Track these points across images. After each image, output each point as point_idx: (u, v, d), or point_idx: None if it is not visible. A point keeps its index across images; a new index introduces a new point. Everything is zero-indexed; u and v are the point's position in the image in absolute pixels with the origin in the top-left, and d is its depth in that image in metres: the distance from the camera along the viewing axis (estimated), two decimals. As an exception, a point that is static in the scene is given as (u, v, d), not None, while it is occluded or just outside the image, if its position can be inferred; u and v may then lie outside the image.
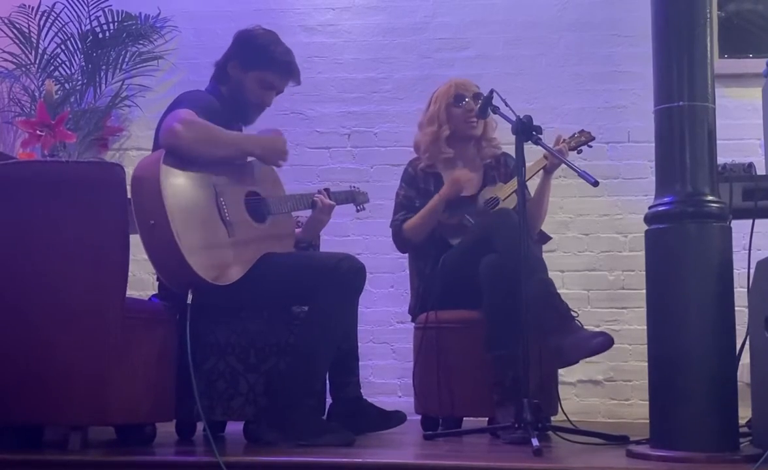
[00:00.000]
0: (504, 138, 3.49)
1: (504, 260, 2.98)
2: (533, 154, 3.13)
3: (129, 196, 2.64)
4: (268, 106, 3.06)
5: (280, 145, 2.95)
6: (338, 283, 2.80)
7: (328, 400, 3.09)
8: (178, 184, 2.67)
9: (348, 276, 2.82)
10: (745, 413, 2.46)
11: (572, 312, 2.85)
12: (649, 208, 2.51)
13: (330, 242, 3.91)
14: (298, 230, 3.20)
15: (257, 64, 2.98)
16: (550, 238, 3.61)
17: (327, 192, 3.24)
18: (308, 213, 3.21)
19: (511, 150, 3.06)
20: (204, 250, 2.66)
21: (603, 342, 2.72)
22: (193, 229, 2.65)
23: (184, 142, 2.68)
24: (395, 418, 3.14)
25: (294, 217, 3.15)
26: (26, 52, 4.33)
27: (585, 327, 2.86)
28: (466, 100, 3.43)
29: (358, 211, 3.50)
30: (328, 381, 3.08)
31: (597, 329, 4.14)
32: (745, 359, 2.54)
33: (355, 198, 3.43)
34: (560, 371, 3.47)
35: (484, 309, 3.08)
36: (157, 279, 2.88)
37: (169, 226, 2.56)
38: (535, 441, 2.47)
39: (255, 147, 2.89)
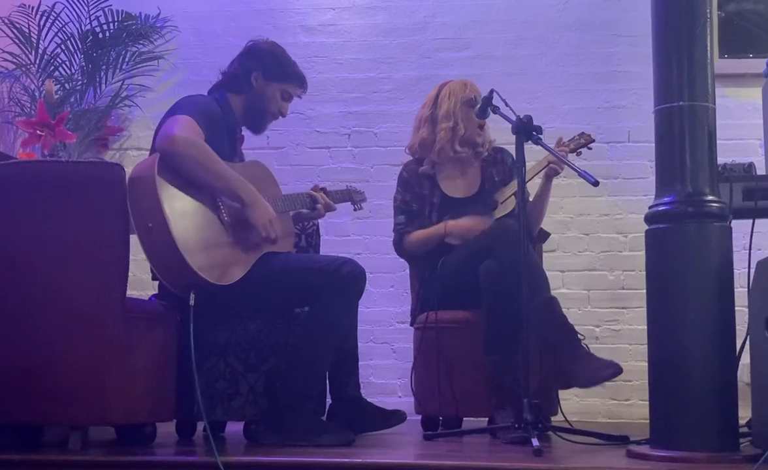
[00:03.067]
0: (504, 138, 3.48)
1: (504, 265, 2.98)
2: (534, 154, 3.13)
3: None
4: (284, 116, 3.13)
5: (267, 215, 2.79)
6: (339, 287, 2.81)
7: (328, 401, 3.09)
8: (175, 185, 2.66)
9: (349, 280, 2.82)
10: (745, 413, 2.46)
11: (579, 335, 2.87)
12: (649, 208, 2.51)
13: (330, 242, 3.91)
14: None
15: (280, 77, 3.06)
16: (549, 235, 3.61)
17: (324, 191, 3.24)
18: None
19: (511, 149, 3.05)
20: (203, 251, 2.66)
21: (614, 372, 2.80)
22: (191, 230, 2.65)
23: (179, 153, 2.67)
24: (395, 417, 3.14)
25: (290, 217, 3.14)
26: (26, 52, 4.33)
27: (589, 347, 2.89)
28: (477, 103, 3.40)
29: (355, 209, 3.50)
30: (327, 382, 3.08)
31: (597, 329, 4.23)
32: (745, 359, 2.54)
33: (352, 197, 3.43)
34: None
35: (484, 313, 3.08)
36: (154, 278, 2.87)
37: (167, 228, 2.56)
38: (535, 442, 2.47)
39: (244, 194, 2.77)
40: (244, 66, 3.05)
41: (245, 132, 3.14)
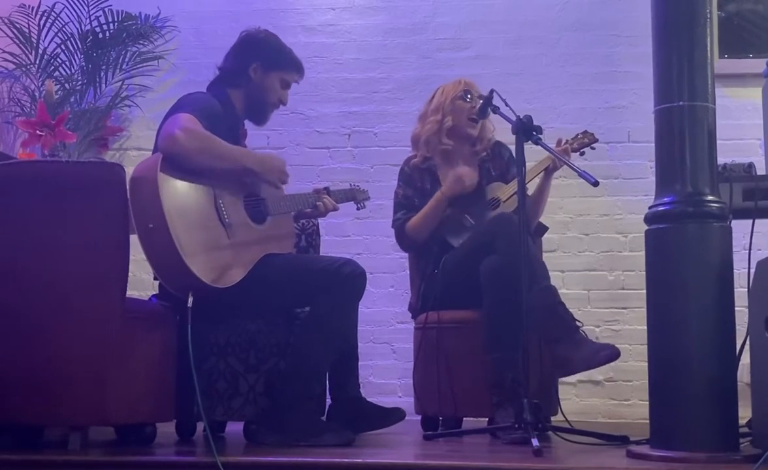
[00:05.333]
0: (504, 138, 3.49)
1: (505, 262, 2.98)
2: (534, 154, 3.12)
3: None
4: (284, 104, 3.13)
5: (278, 164, 2.94)
6: (339, 287, 2.81)
7: (328, 401, 3.09)
8: (176, 187, 2.66)
9: (349, 280, 2.82)
10: (745, 413, 2.46)
11: (577, 322, 2.87)
12: (649, 208, 2.51)
13: (330, 242, 3.91)
14: None
15: (278, 65, 3.06)
16: (547, 229, 3.61)
17: (326, 190, 3.23)
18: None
19: (511, 149, 3.06)
20: (203, 253, 2.65)
21: (610, 355, 2.78)
22: (191, 232, 2.64)
23: (183, 150, 2.67)
24: (395, 415, 3.14)
25: (292, 218, 3.14)
26: (26, 52, 4.33)
27: (587, 334, 2.88)
28: (470, 96, 3.43)
29: (358, 208, 3.49)
30: (327, 382, 3.08)
31: (597, 329, 4.24)
32: (745, 359, 2.54)
33: (355, 196, 3.43)
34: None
35: (485, 310, 3.08)
36: (155, 277, 2.87)
37: (167, 230, 2.56)
38: (535, 442, 2.47)
39: (254, 163, 2.86)
40: (241, 58, 3.04)
41: (248, 125, 3.14)
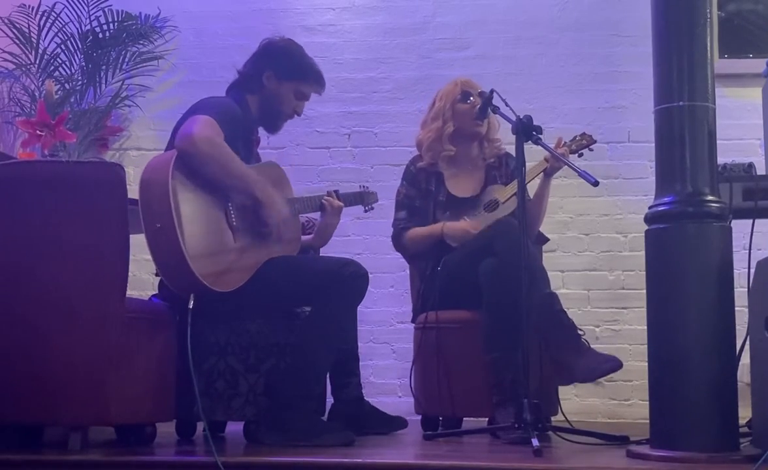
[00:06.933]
0: (504, 138, 3.49)
1: (504, 263, 2.98)
2: (534, 154, 3.13)
3: (137, 195, 2.63)
4: (299, 115, 3.12)
5: (278, 206, 2.85)
6: (341, 287, 2.81)
7: (329, 402, 3.09)
8: (187, 187, 2.65)
9: (351, 280, 2.82)
10: (745, 413, 2.46)
11: (579, 331, 2.87)
12: (649, 208, 2.51)
13: (330, 242, 3.90)
14: (308, 237, 3.19)
15: (294, 75, 3.05)
16: (547, 240, 3.62)
17: (336, 193, 3.23)
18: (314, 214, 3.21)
19: (511, 150, 3.06)
20: (208, 257, 2.65)
21: (612, 367, 2.80)
22: (199, 235, 2.64)
23: (197, 152, 2.66)
24: (396, 423, 3.14)
25: (300, 220, 3.13)
26: (26, 52, 4.33)
27: (589, 343, 2.89)
28: (472, 97, 3.43)
29: (366, 210, 3.48)
30: (329, 382, 3.08)
31: (597, 329, 4.24)
32: (745, 359, 2.54)
33: (363, 199, 3.42)
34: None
35: (484, 310, 3.08)
36: (156, 274, 2.87)
37: (174, 231, 2.55)
38: (535, 442, 2.47)
39: (260, 193, 2.80)
40: (257, 65, 3.05)
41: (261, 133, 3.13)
